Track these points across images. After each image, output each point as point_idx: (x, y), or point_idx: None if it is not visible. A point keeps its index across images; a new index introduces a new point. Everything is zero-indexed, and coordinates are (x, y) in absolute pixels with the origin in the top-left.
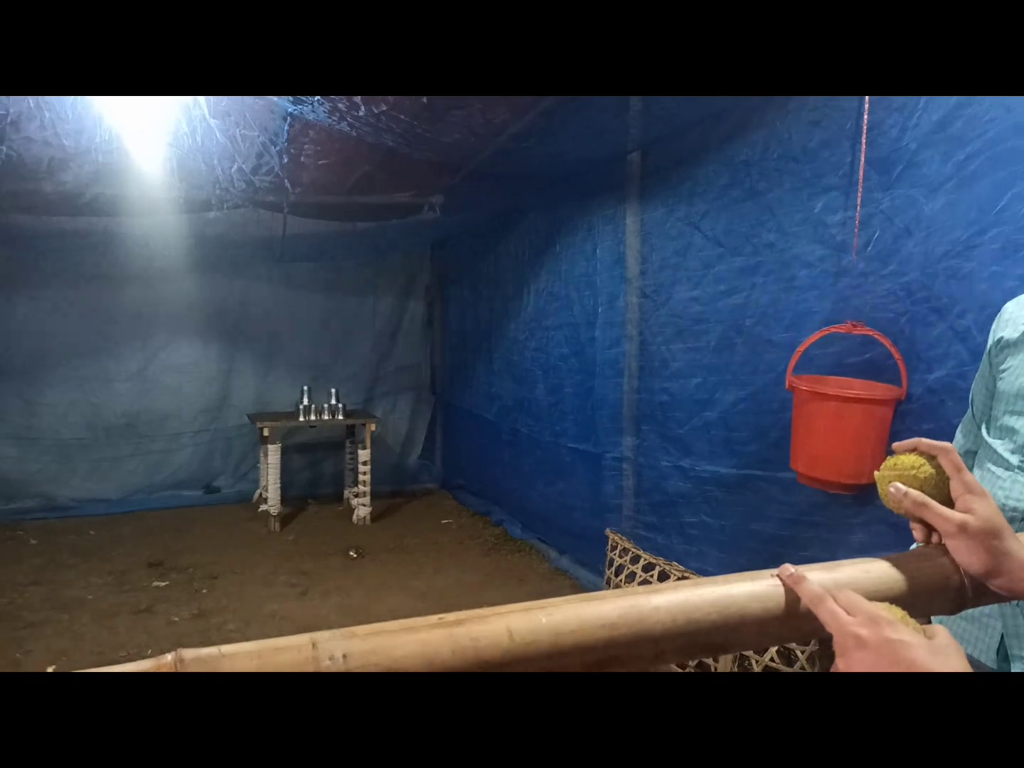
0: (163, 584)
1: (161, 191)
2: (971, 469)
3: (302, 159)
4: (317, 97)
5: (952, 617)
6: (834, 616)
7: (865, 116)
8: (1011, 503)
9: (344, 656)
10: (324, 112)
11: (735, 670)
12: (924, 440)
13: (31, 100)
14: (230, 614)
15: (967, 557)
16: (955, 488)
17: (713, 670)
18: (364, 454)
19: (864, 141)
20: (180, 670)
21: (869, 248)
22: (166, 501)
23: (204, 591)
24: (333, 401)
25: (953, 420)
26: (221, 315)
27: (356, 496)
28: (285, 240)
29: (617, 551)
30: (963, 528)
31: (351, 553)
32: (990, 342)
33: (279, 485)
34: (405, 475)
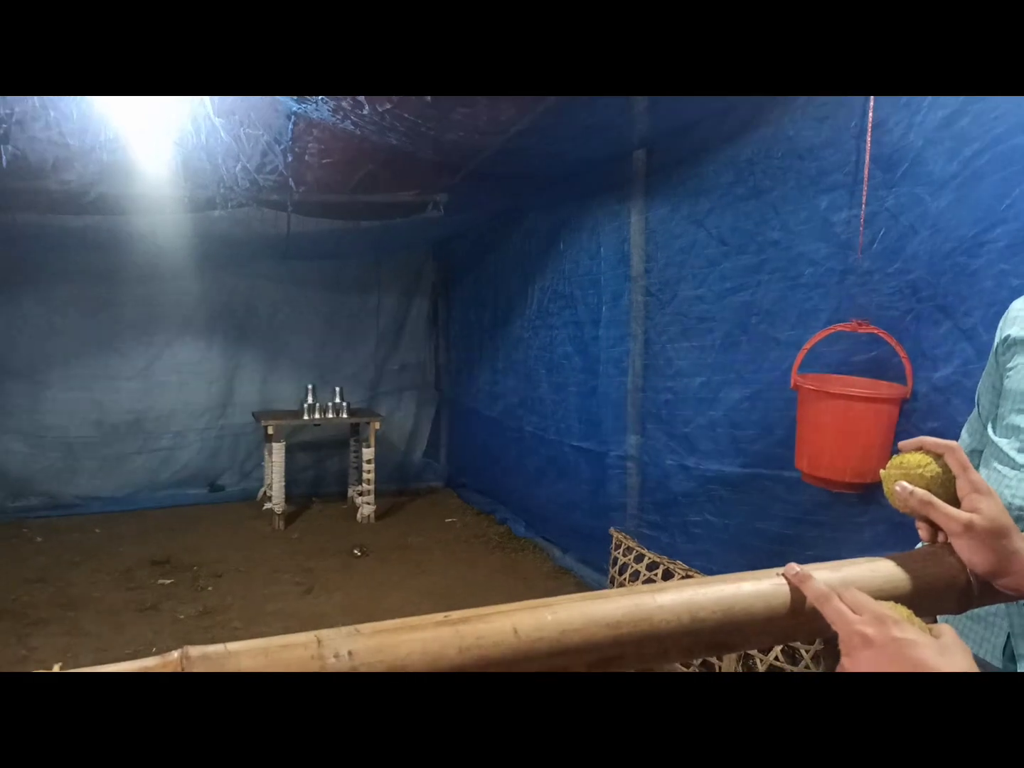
0: (168, 582)
1: (166, 190)
2: (977, 468)
3: (306, 158)
4: (321, 96)
5: (958, 616)
6: (840, 615)
7: (870, 114)
8: (1017, 502)
9: (349, 653)
10: (328, 111)
11: (739, 669)
12: (930, 439)
13: (36, 99)
14: (234, 611)
15: (973, 556)
16: (961, 487)
17: (717, 669)
18: (368, 452)
19: (869, 139)
20: (186, 667)
21: (874, 246)
22: (171, 499)
23: (209, 589)
24: (337, 399)
25: (959, 419)
26: (226, 313)
27: (360, 494)
28: (289, 239)
29: (621, 550)
30: (969, 527)
31: (355, 551)
32: (997, 340)
33: (283, 483)
34: (409, 473)
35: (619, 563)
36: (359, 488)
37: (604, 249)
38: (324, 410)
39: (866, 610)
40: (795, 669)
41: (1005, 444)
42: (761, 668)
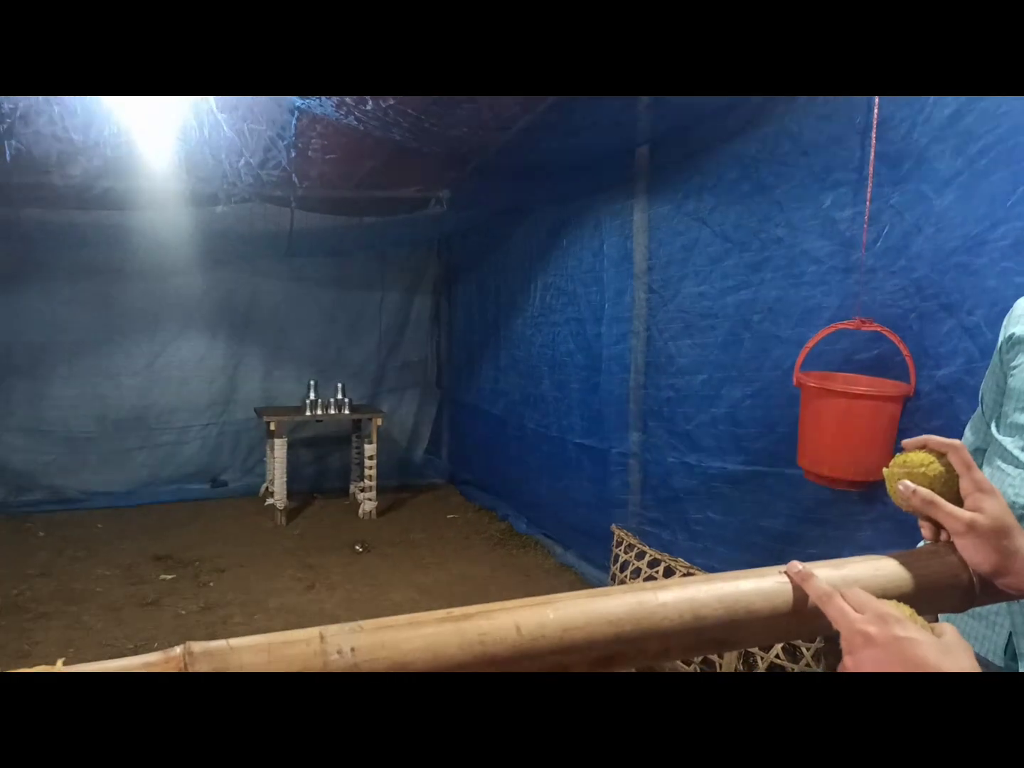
0: (170, 577)
1: (169, 185)
2: (980, 467)
3: (309, 153)
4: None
5: (960, 615)
6: (842, 613)
7: (875, 111)
8: (1021, 500)
9: (352, 650)
10: (331, 106)
11: (740, 666)
12: (933, 437)
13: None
14: (236, 607)
15: (975, 556)
16: (964, 486)
17: (718, 666)
18: (370, 449)
19: (874, 136)
20: (189, 663)
21: (878, 244)
22: (173, 494)
23: (211, 584)
24: (340, 396)
25: (962, 417)
26: (229, 309)
27: (362, 490)
28: (292, 234)
29: (623, 547)
30: (972, 527)
31: (357, 547)
32: (1001, 338)
33: (285, 479)
34: (411, 470)
35: (620, 560)
36: (361, 484)
37: (607, 246)
38: (326, 406)
39: (868, 609)
40: (796, 667)
41: (1009, 442)
42: (762, 666)
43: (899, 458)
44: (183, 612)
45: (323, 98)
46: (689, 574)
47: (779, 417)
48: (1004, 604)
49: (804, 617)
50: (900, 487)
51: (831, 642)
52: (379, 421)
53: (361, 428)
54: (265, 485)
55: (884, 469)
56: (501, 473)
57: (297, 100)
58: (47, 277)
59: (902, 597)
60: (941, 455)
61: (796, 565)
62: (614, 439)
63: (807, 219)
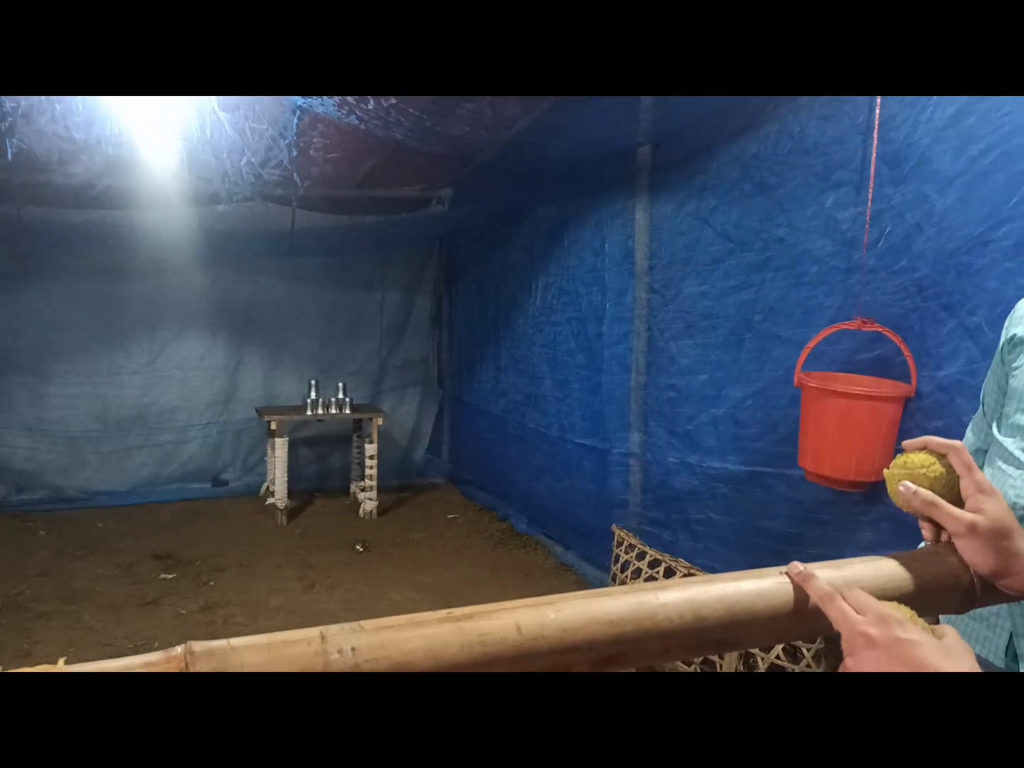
0: (170, 576)
1: (170, 184)
2: (981, 467)
3: (311, 152)
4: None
5: (960, 616)
6: (843, 615)
7: (877, 111)
8: (1022, 502)
9: (353, 649)
10: (333, 105)
11: (740, 667)
12: (934, 438)
13: None
14: (237, 607)
15: (976, 557)
16: (965, 487)
17: (719, 667)
18: (371, 448)
19: (876, 136)
20: (190, 662)
21: (880, 244)
22: (174, 494)
23: (211, 584)
24: (340, 395)
25: (963, 418)
26: (230, 309)
27: (363, 490)
28: (294, 234)
29: (623, 547)
30: (973, 528)
31: (357, 547)
32: (1003, 339)
33: (286, 479)
34: (412, 469)
35: (621, 560)
36: (362, 484)
37: (608, 245)
38: (327, 406)
39: (869, 610)
40: (796, 667)
41: (1010, 443)
42: (762, 666)
43: (900, 459)
44: (183, 611)
45: (325, 98)
46: (690, 574)
47: (780, 417)
48: (1005, 605)
49: (805, 618)
50: (901, 488)
51: (832, 643)
52: (380, 421)
53: (362, 428)
54: (266, 484)
55: (885, 470)
56: (502, 473)
57: (299, 100)
58: (48, 276)
59: (902, 598)
60: (942, 456)
61: (797, 566)
62: (615, 439)
63: (809, 219)
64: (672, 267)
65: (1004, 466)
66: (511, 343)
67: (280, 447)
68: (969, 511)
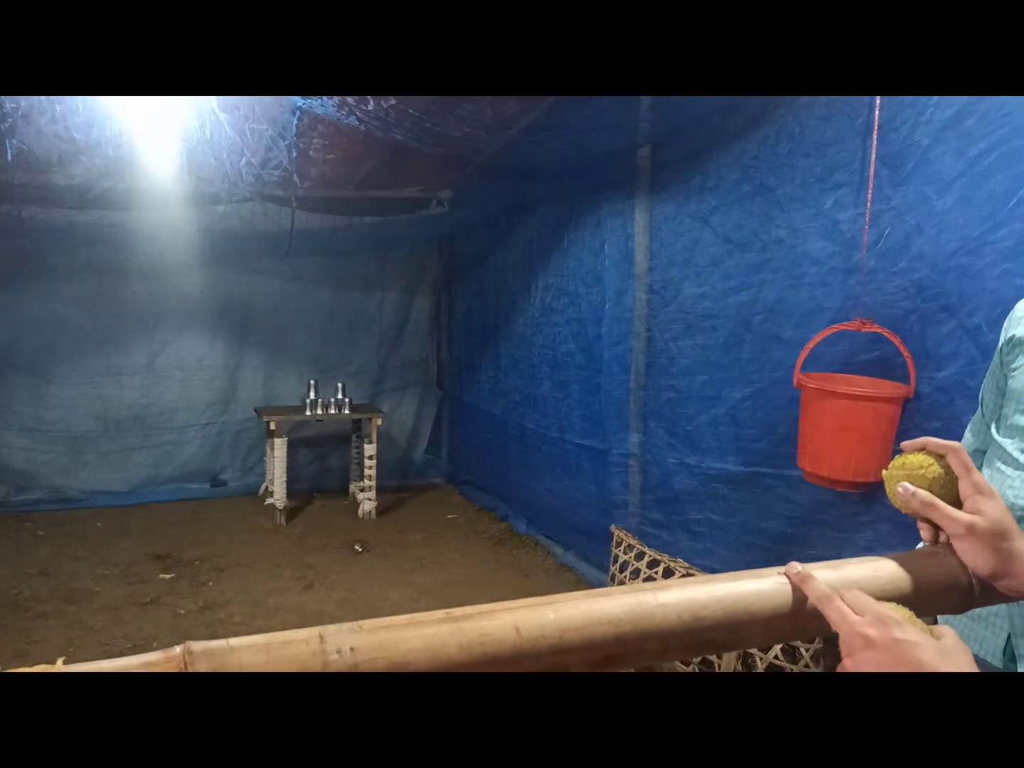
0: (169, 576)
1: (170, 185)
2: (980, 468)
3: (311, 153)
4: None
5: (959, 616)
6: (842, 615)
7: (876, 112)
8: (1020, 503)
9: (351, 650)
10: (333, 106)
11: (739, 667)
12: (933, 439)
13: None
14: (236, 607)
15: (974, 558)
16: (964, 488)
17: (717, 667)
18: (370, 448)
19: (875, 137)
20: (189, 662)
21: (879, 245)
22: (173, 494)
23: (210, 584)
24: (340, 395)
25: (962, 419)
26: (229, 309)
27: (362, 490)
28: (293, 234)
29: (622, 547)
30: (971, 529)
31: (356, 547)
32: (1002, 340)
33: (285, 479)
34: (411, 470)
35: (620, 561)
36: (361, 484)
37: (608, 246)
38: (326, 406)
39: (868, 611)
40: (795, 668)
41: (1009, 444)
42: (761, 667)
43: (898, 460)
44: (182, 611)
45: (324, 98)
46: (689, 575)
47: (779, 418)
48: (1003, 606)
49: (803, 618)
50: (899, 489)
51: (830, 643)
52: (379, 421)
53: (361, 428)
54: (265, 485)
55: (883, 471)
56: (501, 473)
57: (299, 100)
58: (48, 277)
59: (901, 599)
60: (940, 457)
61: (795, 566)
62: (614, 440)
63: (808, 220)
64: (672, 268)
65: (1003, 467)
66: (510, 343)
67: (279, 447)
68: (967, 512)
